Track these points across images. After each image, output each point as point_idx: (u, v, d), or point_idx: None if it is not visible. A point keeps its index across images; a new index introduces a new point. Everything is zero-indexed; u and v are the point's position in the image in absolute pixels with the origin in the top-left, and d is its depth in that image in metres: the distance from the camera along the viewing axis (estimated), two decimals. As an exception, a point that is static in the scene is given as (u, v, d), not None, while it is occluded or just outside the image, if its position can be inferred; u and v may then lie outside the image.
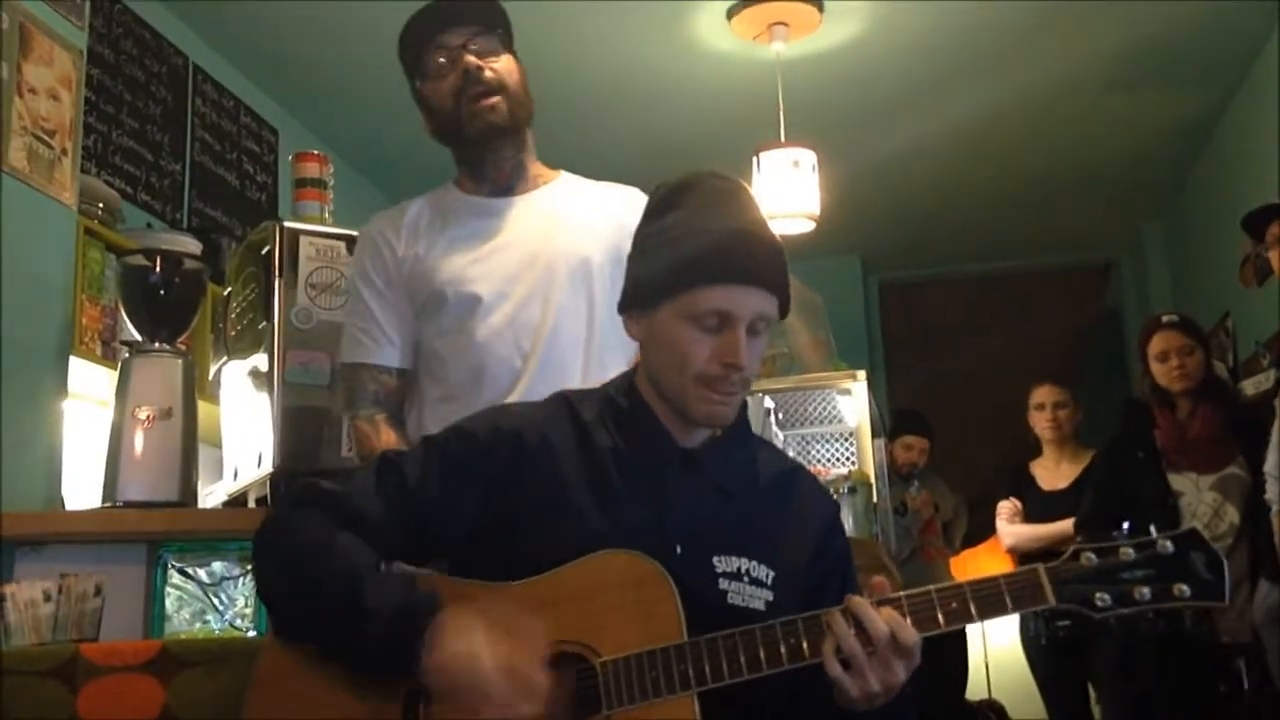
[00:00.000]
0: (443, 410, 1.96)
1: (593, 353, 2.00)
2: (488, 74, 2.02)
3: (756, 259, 1.47)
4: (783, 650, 1.36)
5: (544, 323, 1.99)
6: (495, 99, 2.02)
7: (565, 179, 2.16)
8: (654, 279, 1.50)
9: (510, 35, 2.09)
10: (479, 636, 1.35)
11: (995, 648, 5.59)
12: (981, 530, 5.03)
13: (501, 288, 2.00)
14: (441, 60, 2.04)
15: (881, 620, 1.35)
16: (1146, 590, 1.36)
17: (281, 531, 1.49)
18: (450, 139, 2.10)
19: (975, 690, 5.40)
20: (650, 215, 1.56)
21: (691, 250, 1.46)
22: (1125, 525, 1.41)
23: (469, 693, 1.34)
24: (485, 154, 2.07)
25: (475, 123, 2.03)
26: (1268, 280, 3.68)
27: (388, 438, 1.99)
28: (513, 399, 1.87)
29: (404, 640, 1.36)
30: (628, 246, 1.61)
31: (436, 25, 2.05)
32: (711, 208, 1.49)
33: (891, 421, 5.45)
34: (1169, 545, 1.37)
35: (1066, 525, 4.05)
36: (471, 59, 2.02)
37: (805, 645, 1.37)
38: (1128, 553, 1.37)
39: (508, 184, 2.10)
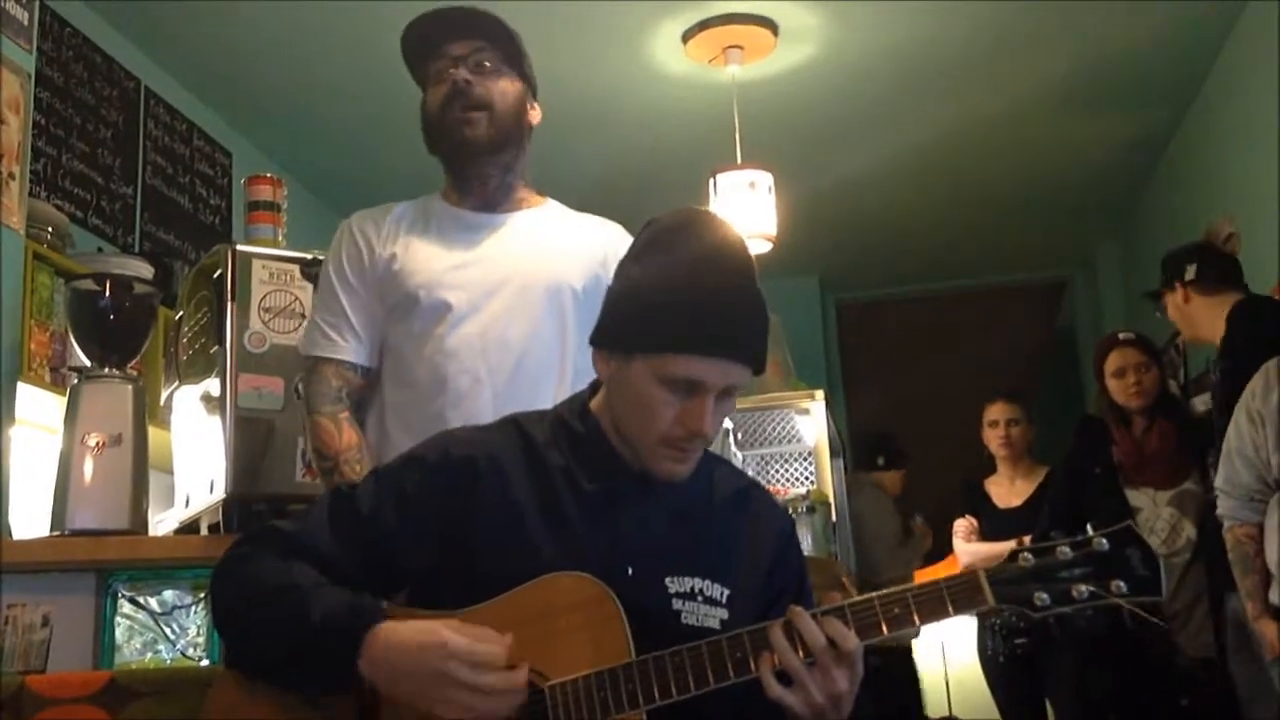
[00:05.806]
0: (404, 413, 1.96)
1: (565, 378, 2.00)
2: (477, 90, 2.01)
3: (738, 332, 1.45)
4: (729, 665, 1.37)
5: (516, 342, 1.99)
6: (477, 115, 2.01)
7: (551, 206, 2.17)
8: (632, 330, 1.46)
9: (519, 55, 2.07)
10: (434, 623, 1.35)
11: (956, 665, 5.61)
12: (940, 549, 5.06)
13: (475, 300, 2.00)
14: (439, 68, 2.04)
15: (818, 629, 1.35)
16: (1084, 588, 1.37)
17: (235, 564, 1.48)
18: (433, 148, 2.09)
19: (936, 708, 5.42)
20: (638, 254, 1.50)
21: (674, 315, 1.42)
22: None
23: (426, 677, 1.32)
24: (467, 168, 2.07)
25: (452, 135, 2.03)
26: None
27: (349, 438, 1.97)
28: (482, 414, 1.84)
29: (348, 633, 1.35)
30: (608, 279, 1.59)
31: (442, 34, 2.04)
32: (701, 264, 1.44)
33: (896, 447, 5.51)
34: (1105, 543, 1.38)
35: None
36: (463, 74, 2.01)
37: (751, 659, 1.37)
38: (1065, 552, 1.38)
39: (491, 201, 2.09)
